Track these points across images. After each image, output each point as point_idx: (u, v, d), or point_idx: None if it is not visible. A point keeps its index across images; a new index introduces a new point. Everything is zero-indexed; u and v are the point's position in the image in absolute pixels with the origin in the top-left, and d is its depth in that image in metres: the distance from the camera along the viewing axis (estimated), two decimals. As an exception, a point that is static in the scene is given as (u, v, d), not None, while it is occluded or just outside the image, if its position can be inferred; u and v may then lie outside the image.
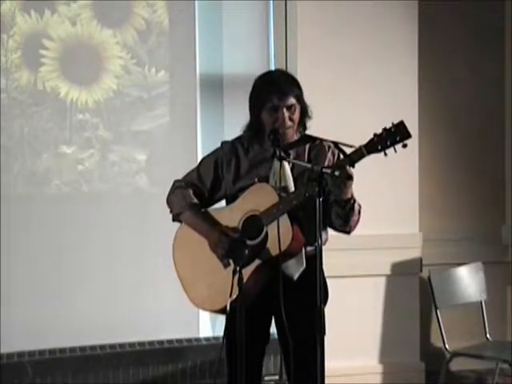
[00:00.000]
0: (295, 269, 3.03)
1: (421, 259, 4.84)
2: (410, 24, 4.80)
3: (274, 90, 3.03)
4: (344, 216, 2.99)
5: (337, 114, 4.64)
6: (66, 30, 4.63)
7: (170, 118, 4.78)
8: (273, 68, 4.66)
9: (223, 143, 3.22)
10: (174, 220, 3.22)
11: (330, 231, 3.15)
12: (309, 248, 3.06)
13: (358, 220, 3.04)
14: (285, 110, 3.04)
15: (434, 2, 4.98)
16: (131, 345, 4.53)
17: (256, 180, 3.06)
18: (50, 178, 4.63)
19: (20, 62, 4.57)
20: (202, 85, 4.82)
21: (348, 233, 3.08)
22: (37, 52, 4.60)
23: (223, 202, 3.24)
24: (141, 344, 4.54)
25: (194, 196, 3.18)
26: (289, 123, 3.05)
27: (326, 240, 3.12)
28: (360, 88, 4.73)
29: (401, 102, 4.73)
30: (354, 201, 2.97)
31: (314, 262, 3.04)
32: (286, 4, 4.76)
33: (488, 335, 4.49)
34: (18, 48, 4.57)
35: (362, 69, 4.74)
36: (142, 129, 4.74)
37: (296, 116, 3.07)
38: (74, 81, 4.65)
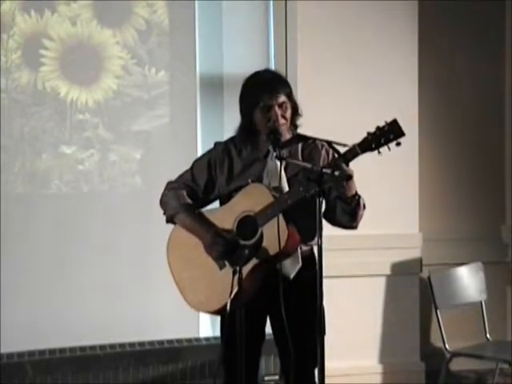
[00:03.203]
0: (291, 268, 3.04)
1: (421, 259, 4.84)
2: (410, 24, 4.81)
3: (266, 89, 3.04)
4: (351, 212, 3.00)
5: (337, 114, 4.64)
6: (66, 30, 4.63)
7: (169, 118, 4.78)
8: (273, 68, 4.66)
9: (216, 144, 3.23)
10: (167, 221, 3.21)
11: (334, 230, 3.15)
12: (304, 247, 3.07)
13: (363, 214, 3.05)
14: (277, 108, 3.04)
15: (433, 1, 4.98)
16: (131, 345, 4.52)
17: (250, 180, 3.06)
18: (50, 178, 4.63)
19: (20, 61, 4.57)
20: (202, 85, 4.82)
21: (355, 228, 3.09)
22: (37, 52, 4.60)
23: (217, 203, 3.24)
24: (141, 344, 4.54)
25: (188, 197, 3.17)
26: (282, 121, 3.06)
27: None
28: (360, 87, 4.73)
29: (401, 101, 4.73)
30: (359, 196, 2.98)
31: (310, 262, 3.06)
32: (285, 4, 4.76)
33: (488, 335, 4.49)
34: (18, 48, 4.57)
35: (362, 68, 4.74)
36: (142, 129, 4.74)
37: (288, 114, 3.08)
38: (74, 81, 4.64)
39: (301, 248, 3.05)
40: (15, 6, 4.55)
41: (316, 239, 2.99)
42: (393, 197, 4.76)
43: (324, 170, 2.80)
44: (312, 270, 3.04)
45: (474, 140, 5.20)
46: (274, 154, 3.01)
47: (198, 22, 4.79)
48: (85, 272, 4.59)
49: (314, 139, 3.14)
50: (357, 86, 4.73)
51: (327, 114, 4.56)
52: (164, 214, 3.20)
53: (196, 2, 4.78)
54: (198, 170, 3.20)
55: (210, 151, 3.23)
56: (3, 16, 4.52)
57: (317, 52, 4.69)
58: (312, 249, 3.13)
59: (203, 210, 3.20)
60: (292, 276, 3.04)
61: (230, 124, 4.68)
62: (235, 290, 2.80)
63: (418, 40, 4.82)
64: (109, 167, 4.71)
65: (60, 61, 4.63)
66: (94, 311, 4.56)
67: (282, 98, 3.06)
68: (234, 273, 2.80)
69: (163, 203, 3.21)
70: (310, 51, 4.68)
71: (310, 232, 3.01)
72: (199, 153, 4.66)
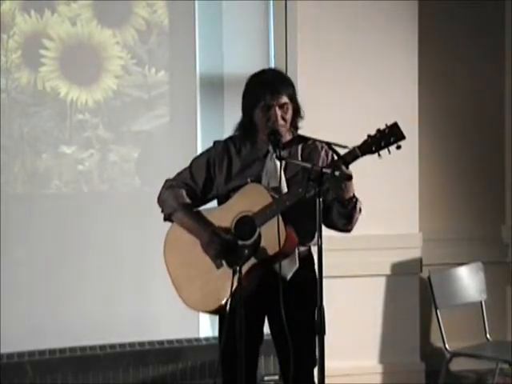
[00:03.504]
0: (288, 269, 3.03)
1: (421, 259, 4.84)
2: (410, 24, 4.81)
3: (268, 89, 3.03)
4: (347, 215, 2.98)
5: (336, 114, 4.64)
6: (66, 30, 4.63)
7: (169, 118, 4.78)
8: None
9: (215, 143, 3.22)
10: (165, 220, 3.20)
11: (330, 232, 3.14)
12: (301, 248, 3.07)
13: (358, 217, 3.04)
14: (277, 108, 3.04)
15: (433, 1, 4.98)
16: (131, 345, 4.52)
17: (249, 180, 3.06)
18: (50, 178, 4.63)
19: (20, 61, 4.58)
20: (202, 85, 4.82)
21: (349, 231, 3.09)
22: (37, 52, 4.60)
23: (215, 202, 3.24)
24: (141, 344, 4.54)
25: (186, 196, 3.17)
26: (281, 122, 3.05)
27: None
28: (360, 88, 4.73)
29: (401, 102, 4.73)
30: (357, 199, 2.97)
31: (307, 262, 3.05)
32: (285, 4, 4.76)
33: (488, 335, 4.49)
34: (18, 48, 4.57)
35: (362, 69, 4.74)
36: (142, 129, 4.75)
37: (289, 115, 3.07)
38: (74, 81, 4.65)
39: (298, 249, 3.05)
40: (15, 5, 4.55)
41: (314, 240, 3.01)
42: (393, 197, 4.76)
43: (324, 170, 2.80)
44: (309, 270, 3.04)
45: (473, 140, 5.20)
46: (274, 155, 3.01)
47: (198, 21, 4.79)
48: (85, 272, 4.59)
49: (314, 140, 3.14)
50: (357, 86, 4.73)
51: (327, 114, 4.55)
52: (162, 212, 3.20)
53: (196, 2, 4.78)
54: (196, 168, 3.20)
55: (209, 150, 3.22)
56: (3, 16, 4.52)
57: (317, 52, 4.69)
58: (309, 249, 3.13)
59: (201, 209, 3.20)
60: (289, 277, 3.04)
61: (230, 124, 4.66)
62: (232, 290, 2.80)
63: (418, 40, 4.82)
64: (109, 167, 4.71)
65: (60, 61, 4.63)
66: (94, 311, 4.57)
67: (284, 99, 3.05)
68: (233, 272, 2.80)
69: (161, 201, 3.20)
70: (310, 51, 4.68)
71: (308, 233, 3.01)
72: (199, 153, 4.66)
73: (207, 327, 4.77)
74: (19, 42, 4.57)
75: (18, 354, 4.36)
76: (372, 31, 4.75)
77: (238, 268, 2.80)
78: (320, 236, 2.76)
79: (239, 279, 2.79)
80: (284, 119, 3.06)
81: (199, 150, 4.65)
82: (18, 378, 4.27)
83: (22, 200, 4.60)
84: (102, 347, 4.49)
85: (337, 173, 2.80)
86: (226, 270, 2.94)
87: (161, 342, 4.58)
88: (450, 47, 5.11)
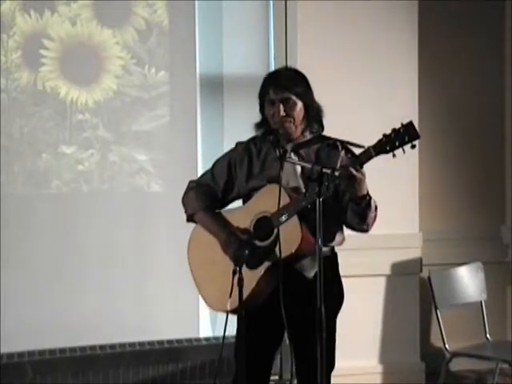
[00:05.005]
0: (310, 267, 3.02)
1: (421, 259, 4.84)
2: (410, 24, 4.81)
3: (272, 84, 3.04)
4: (361, 213, 2.97)
5: (336, 114, 4.61)
6: (66, 30, 4.63)
7: (170, 118, 4.78)
8: (272, 68, 4.67)
9: (237, 144, 3.22)
10: (188, 220, 3.23)
11: (347, 231, 3.14)
12: (324, 248, 3.05)
13: (375, 217, 3.02)
14: (280, 103, 3.02)
15: (433, 1, 4.98)
16: (131, 345, 4.52)
17: (266, 181, 3.06)
18: (50, 178, 4.63)
19: (20, 61, 4.58)
20: (202, 85, 4.82)
21: (366, 231, 3.07)
22: (37, 52, 4.60)
23: (238, 202, 3.25)
24: (141, 344, 4.54)
25: (208, 197, 3.18)
26: (285, 118, 3.02)
27: (343, 240, 3.12)
28: (360, 88, 4.73)
29: (401, 101, 4.73)
30: (370, 197, 2.95)
31: (329, 262, 3.05)
32: (285, 4, 4.76)
33: (488, 335, 4.48)
34: (18, 48, 4.57)
35: (362, 69, 4.74)
36: (142, 129, 4.74)
37: (296, 113, 3.04)
38: (74, 81, 4.65)
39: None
40: (15, 6, 4.55)
41: (335, 240, 3.03)
42: (393, 197, 4.75)
43: (324, 170, 2.79)
44: (331, 271, 3.04)
45: (474, 140, 5.21)
46: (287, 155, 2.98)
47: (197, 21, 4.79)
48: (85, 272, 4.59)
49: (335, 140, 3.11)
50: (357, 86, 4.73)
51: (326, 113, 4.54)
52: (185, 212, 3.22)
53: (196, 2, 4.78)
54: (218, 169, 3.20)
55: (230, 151, 3.22)
56: (3, 16, 4.52)
57: (317, 52, 4.69)
58: (333, 249, 3.13)
59: (223, 209, 3.21)
60: (311, 275, 3.02)
61: (230, 124, 4.71)
62: (248, 291, 2.81)
63: (418, 40, 4.82)
64: (109, 167, 4.71)
65: (60, 61, 4.63)
66: (94, 311, 4.56)
67: (286, 95, 3.02)
68: (233, 273, 2.80)
69: (184, 202, 3.22)
70: (309, 51, 4.68)
71: (329, 233, 3.00)
72: (199, 153, 4.67)
73: (207, 327, 4.77)
74: (19, 41, 4.57)
75: (18, 354, 4.36)
76: (372, 31, 4.75)
77: (237, 268, 2.80)
78: (320, 236, 2.75)
79: (239, 280, 2.79)
80: (289, 115, 3.03)
81: (199, 150, 4.66)
82: (18, 378, 4.27)
83: (21, 200, 4.60)
84: (102, 347, 4.49)
85: (337, 172, 2.80)
86: (244, 271, 2.93)
87: (161, 342, 4.58)
88: (450, 47, 5.11)
